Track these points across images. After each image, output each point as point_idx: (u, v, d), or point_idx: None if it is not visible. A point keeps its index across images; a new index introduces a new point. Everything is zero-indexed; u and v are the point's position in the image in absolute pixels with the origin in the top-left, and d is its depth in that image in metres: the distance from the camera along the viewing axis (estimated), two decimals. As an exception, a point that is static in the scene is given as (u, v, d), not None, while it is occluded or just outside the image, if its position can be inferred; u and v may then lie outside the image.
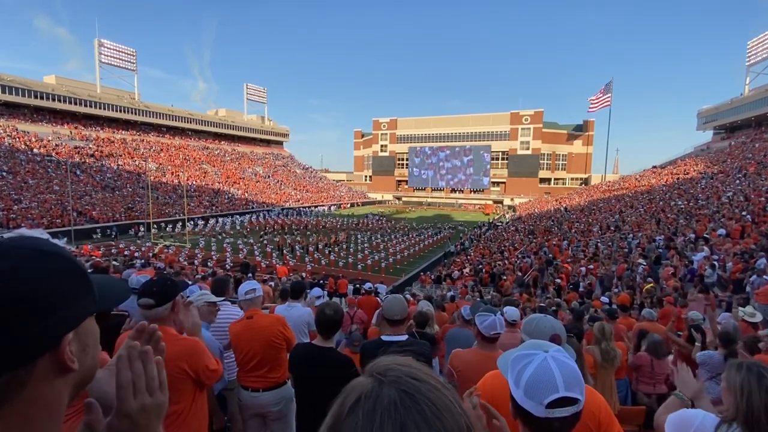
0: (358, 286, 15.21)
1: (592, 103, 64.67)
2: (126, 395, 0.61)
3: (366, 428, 0.43)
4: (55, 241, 0.65)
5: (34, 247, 0.55)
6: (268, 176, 66.59)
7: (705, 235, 13.93)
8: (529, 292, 14.02)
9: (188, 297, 2.52)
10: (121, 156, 50.02)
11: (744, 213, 15.53)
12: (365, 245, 29.55)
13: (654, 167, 48.97)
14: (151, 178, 42.88)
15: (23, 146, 41.63)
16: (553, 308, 8.55)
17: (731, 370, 1.46)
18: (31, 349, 0.50)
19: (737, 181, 24.77)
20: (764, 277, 8.12)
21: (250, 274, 11.55)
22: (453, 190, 78.39)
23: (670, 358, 4.77)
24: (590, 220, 28.80)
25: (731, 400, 1.42)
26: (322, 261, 25.01)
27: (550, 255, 20.22)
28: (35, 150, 42.11)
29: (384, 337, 2.55)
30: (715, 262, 10.60)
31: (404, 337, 2.53)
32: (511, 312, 3.38)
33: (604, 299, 9.93)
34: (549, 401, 0.95)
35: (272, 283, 11.19)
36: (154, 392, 0.63)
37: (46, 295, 0.52)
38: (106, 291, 0.65)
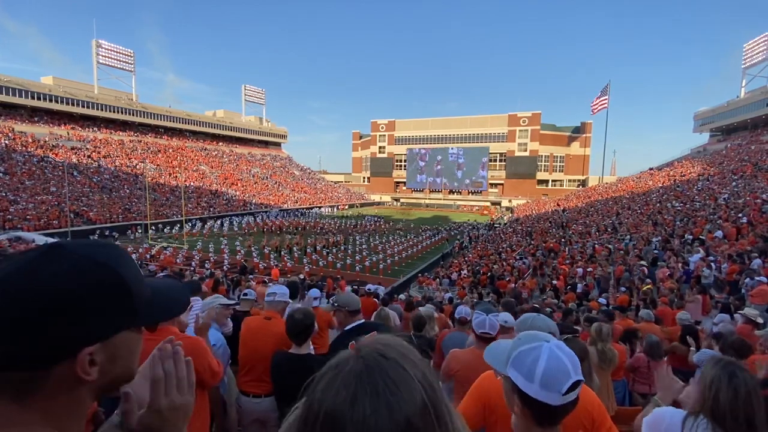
0: (356, 287, 15.22)
1: (593, 107, 64.96)
2: (158, 391, 0.65)
3: (328, 389, 0.51)
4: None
5: (83, 255, 0.57)
6: (266, 177, 66.54)
7: (701, 237, 14.01)
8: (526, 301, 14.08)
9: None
10: (118, 157, 49.89)
11: (740, 215, 15.62)
12: (363, 246, 29.58)
13: (651, 169, 49.15)
14: (149, 179, 42.82)
15: (20, 147, 41.47)
16: (548, 309, 8.59)
17: (708, 365, 1.50)
18: (47, 357, 0.53)
19: (733, 183, 24.91)
20: (757, 278, 8.17)
21: (250, 276, 11.55)
22: (451, 192, 78.53)
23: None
24: (588, 221, 28.91)
25: (699, 392, 1.45)
26: (321, 262, 25.01)
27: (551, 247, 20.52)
28: (32, 151, 42.00)
29: (346, 328, 2.75)
30: (712, 264, 10.66)
31: (361, 321, 2.77)
32: (503, 316, 3.41)
33: (602, 300, 10.01)
34: (566, 388, 0.98)
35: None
36: (184, 392, 0.67)
37: (75, 307, 0.54)
38: (161, 303, 0.68)
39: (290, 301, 3.30)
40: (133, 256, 22.52)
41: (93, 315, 0.56)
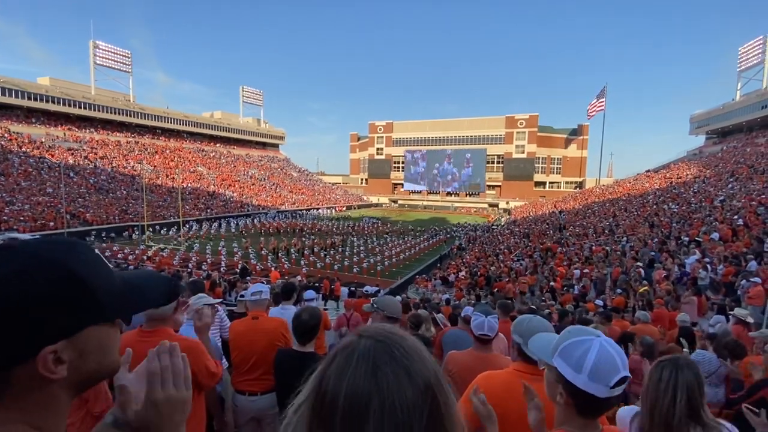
0: (353, 289, 15.21)
1: (588, 111, 65.43)
2: (154, 383, 0.65)
3: (344, 369, 0.53)
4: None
5: (32, 254, 0.56)
6: (264, 179, 66.45)
7: (697, 239, 14.07)
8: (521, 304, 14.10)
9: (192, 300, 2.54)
10: (115, 158, 49.74)
11: (736, 217, 15.70)
12: (361, 248, 29.57)
13: (648, 171, 49.39)
14: (146, 180, 42.69)
15: (16, 148, 41.29)
16: (547, 311, 8.60)
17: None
18: (4, 359, 0.53)
19: (729, 185, 25.05)
20: (752, 279, 8.21)
21: (248, 278, 11.54)
22: (449, 194, 78.63)
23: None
24: (585, 223, 28.99)
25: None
26: (318, 264, 24.98)
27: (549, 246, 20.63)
28: (28, 151, 41.80)
29: None
30: (708, 265, 10.70)
31: None
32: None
33: (599, 302, 10.04)
34: (614, 382, 1.01)
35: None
36: (180, 386, 0.68)
37: (27, 308, 0.53)
38: (135, 295, 0.68)
39: (267, 298, 3.29)
40: (130, 257, 22.43)
41: (48, 314, 0.54)
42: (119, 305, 0.63)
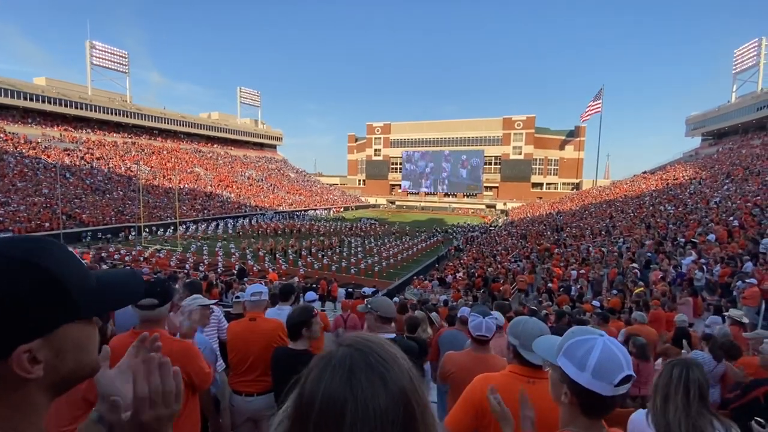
0: (350, 290, 15.20)
1: (583, 116, 65.76)
2: (143, 406, 0.64)
3: (321, 375, 0.56)
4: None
5: (4, 252, 0.55)
6: (261, 180, 66.31)
7: (693, 240, 14.13)
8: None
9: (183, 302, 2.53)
10: (112, 159, 49.52)
11: (731, 218, 15.79)
12: (358, 249, 29.54)
13: (644, 173, 49.59)
14: (143, 181, 42.52)
15: (12, 148, 41.03)
16: (544, 312, 8.62)
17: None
18: None
19: (725, 187, 25.18)
20: (748, 281, 8.26)
21: (245, 279, 11.50)
22: (446, 195, 78.74)
23: (659, 361, 4.84)
24: (582, 224, 29.08)
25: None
26: (315, 265, 24.92)
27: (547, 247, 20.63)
28: (24, 152, 41.56)
29: None
30: (704, 266, 10.76)
31: (392, 335, 2.66)
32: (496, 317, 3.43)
33: (596, 303, 10.07)
34: (618, 380, 1.01)
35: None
36: (170, 405, 0.66)
37: (0, 308, 0.52)
38: (110, 293, 0.66)
39: (266, 299, 3.29)
40: (126, 258, 22.34)
41: (22, 312, 0.54)
42: (94, 303, 0.63)
